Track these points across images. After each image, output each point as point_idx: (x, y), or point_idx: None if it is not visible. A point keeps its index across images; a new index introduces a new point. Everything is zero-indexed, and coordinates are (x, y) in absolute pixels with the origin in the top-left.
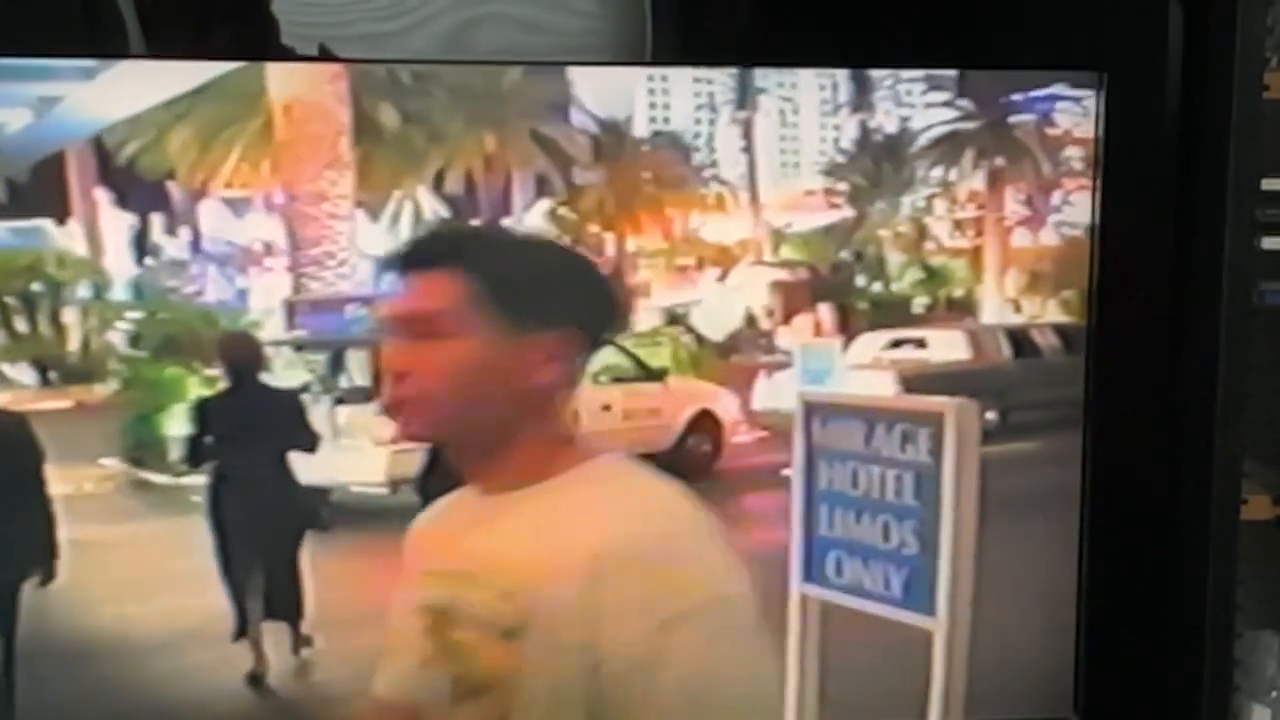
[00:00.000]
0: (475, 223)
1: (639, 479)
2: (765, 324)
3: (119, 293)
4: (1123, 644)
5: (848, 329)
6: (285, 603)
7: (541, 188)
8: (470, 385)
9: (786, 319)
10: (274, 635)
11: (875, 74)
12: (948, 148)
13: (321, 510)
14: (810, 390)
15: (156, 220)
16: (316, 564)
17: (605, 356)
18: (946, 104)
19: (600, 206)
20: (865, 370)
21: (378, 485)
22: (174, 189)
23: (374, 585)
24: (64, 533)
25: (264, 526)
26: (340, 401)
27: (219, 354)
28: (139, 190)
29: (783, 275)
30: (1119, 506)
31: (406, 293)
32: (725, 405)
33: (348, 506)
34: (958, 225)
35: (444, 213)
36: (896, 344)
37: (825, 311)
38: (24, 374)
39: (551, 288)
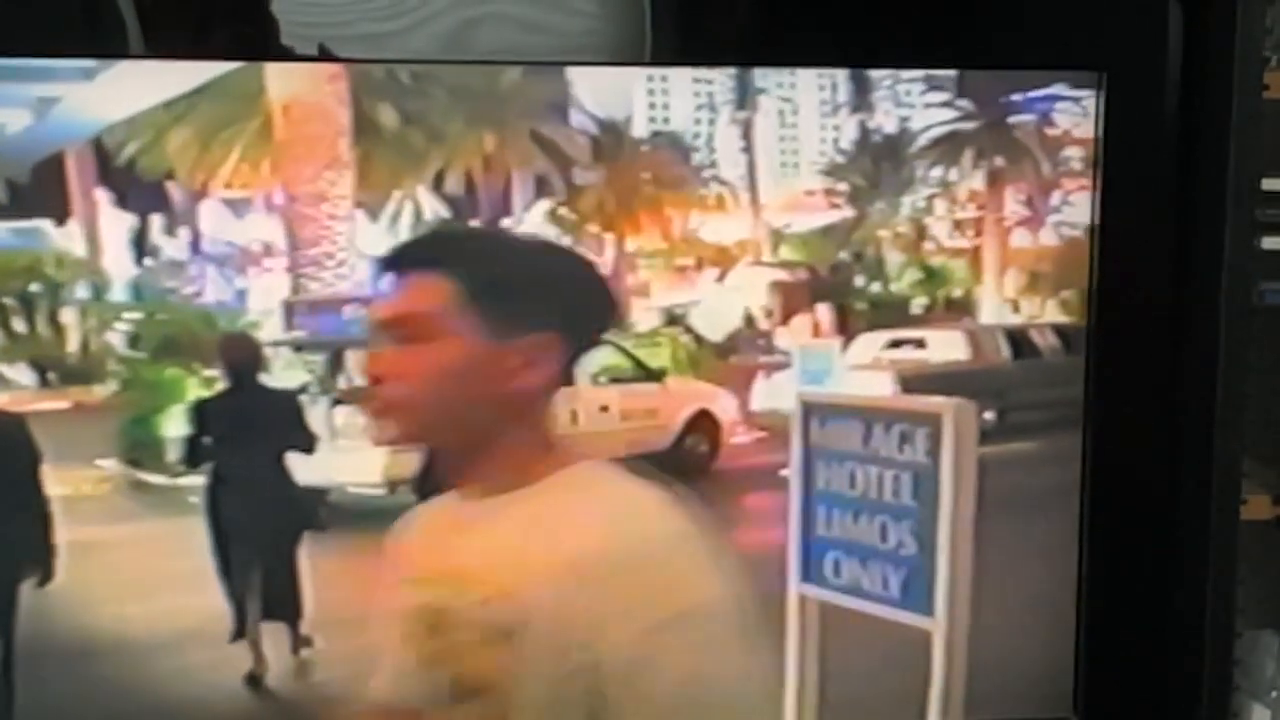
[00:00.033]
0: (460, 225)
1: (621, 484)
2: (764, 324)
3: (118, 293)
4: (1123, 644)
5: (847, 329)
6: (284, 603)
7: (541, 188)
8: (453, 389)
9: (785, 319)
10: (273, 636)
11: (875, 74)
12: (947, 148)
13: (319, 511)
14: (809, 390)
15: (156, 221)
16: (315, 564)
17: (604, 357)
18: (946, 104)
19: (600, 207)
20: (864, 371)
21: (375, 486)
22: (173, 189)
23: (372, 586)
24: (62, 533)
25: (262, 527)
26: (338, 402)
27: (218, 355)
28: (138, 191)
29: (782, 275)
30: (1119, 506)
31: (390, 296)
32: (724, 405)
33: (345, 507)
34: (957, 225)
35: (444, 213)
36: (895, 344)
37: (824, 312)
38: (22, 374)
39: (536, 291)
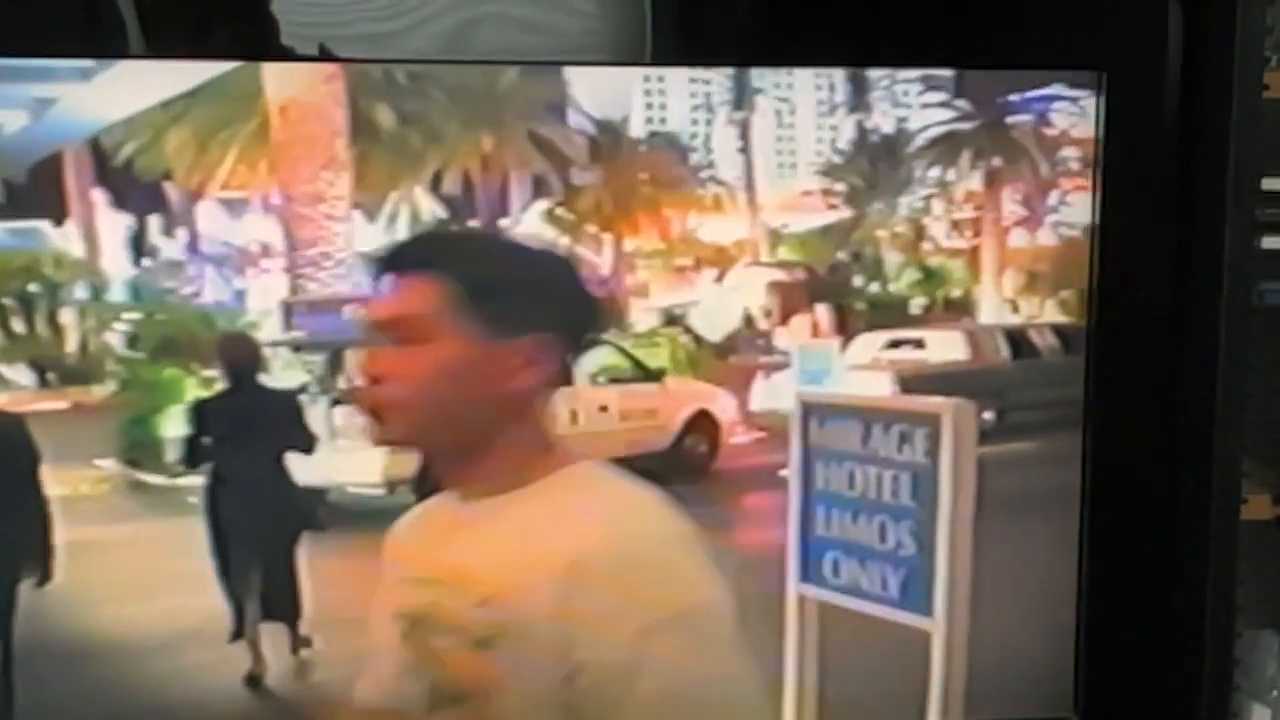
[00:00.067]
0: (453, 226)
1: (615, 486)
2: (763, 324)
3: (116, 294)
4: (1123, 644)
5: (845, 329)
6: (283, 603)
7: (539, 188)
8: (446, 390)
9: (784, 319)
10: (272, 636)
11: (872, 74)
12: (945, 148)
13: (319, 511)
14: (808, 391)
15: (154, 221)
16: (314, 565)
17: (603, 357)
18: (944, 104)
19: (598, 207)
20: (863, 371)
21: (374, 486)
22: (171, 190)
23: (372, 586)
24: (61, 534)
25: (261, 527)
26: (338, 402)
27: (217, 355)
28: (136, 191)
29: (780, 276)
30: (1119, 506)
31: (384, 297)
32: (723, 406)
33: (345, 507)
34: (955, 226)
35: (441, 214)
36: (894, 344)
37: (823, 312)
38: (21, 375)
39: (530, 293)
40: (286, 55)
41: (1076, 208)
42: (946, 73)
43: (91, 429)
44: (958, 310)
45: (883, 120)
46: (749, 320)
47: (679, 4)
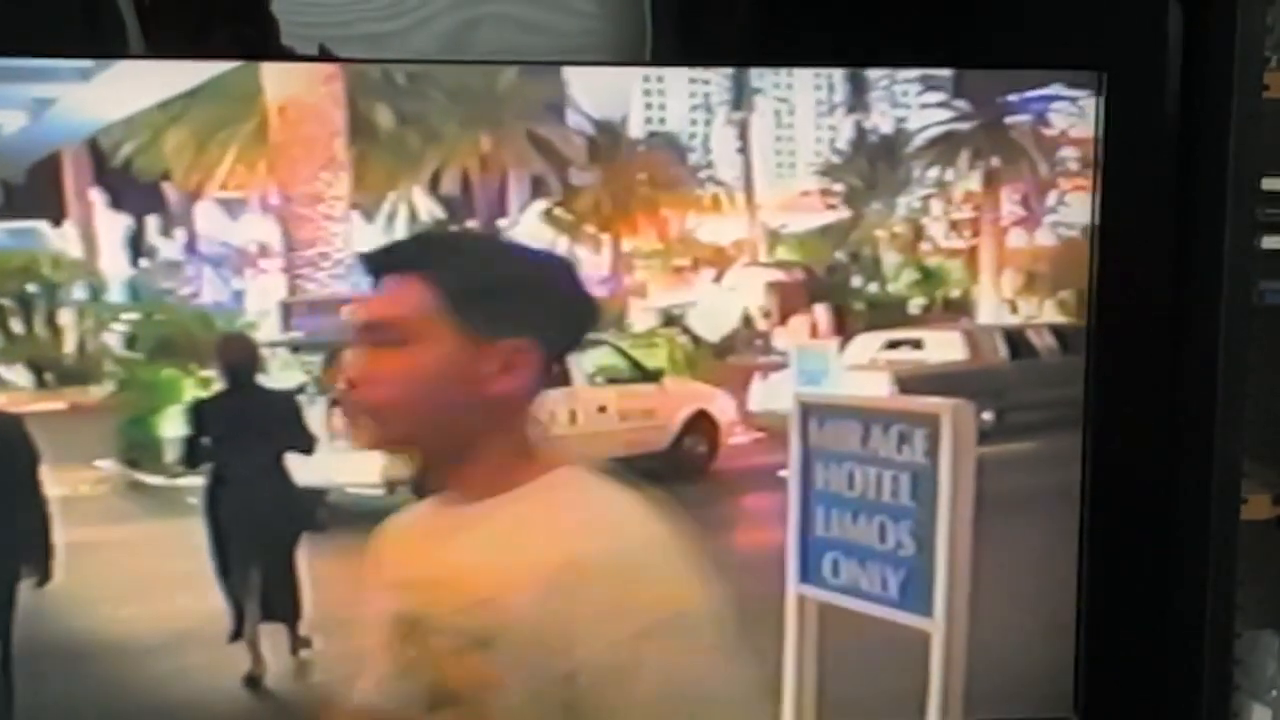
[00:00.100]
0: (440, 229)
1: (601, 490)
2: (761, 325)
3: (114, 294)
4: (1123, 644)
5: (844, 330)
6: (282, 604)
7: (537, 188)
8: (431, 393)
9: (783, 320)
10: (271, 636)
11: (871, 74)
12: (944, 148)
13: (318, 511)
14: (806, 391)
15: (152, 222)
16: (313, 565)
17: (601, 357)
18: (943, 104)
19: (596, 207)
20: (862, 371)
21: (374, 486)
22: (169, 190)
23: (369, 587)
24: (60, 534)
25: (261, 528)
26: (336, 403)
27: (215, 355)
28: (134, 192)
29: (779, 276)
30: (1118, 507)
31: (370, 299)
32: (721, 406)
33: (344, 508)
34: (954, 226)
35: (439, 214)
36: (893, 345)
37: (821, 312)
38: (19, 375)
39: (516, 296)
40: (285, 55)
41: (1075, 208)
42: (945, 73)
43: (90, 429)
44: (956, 310)
45: (881, 120)
46: (747, 320)
47: (678, 4)
